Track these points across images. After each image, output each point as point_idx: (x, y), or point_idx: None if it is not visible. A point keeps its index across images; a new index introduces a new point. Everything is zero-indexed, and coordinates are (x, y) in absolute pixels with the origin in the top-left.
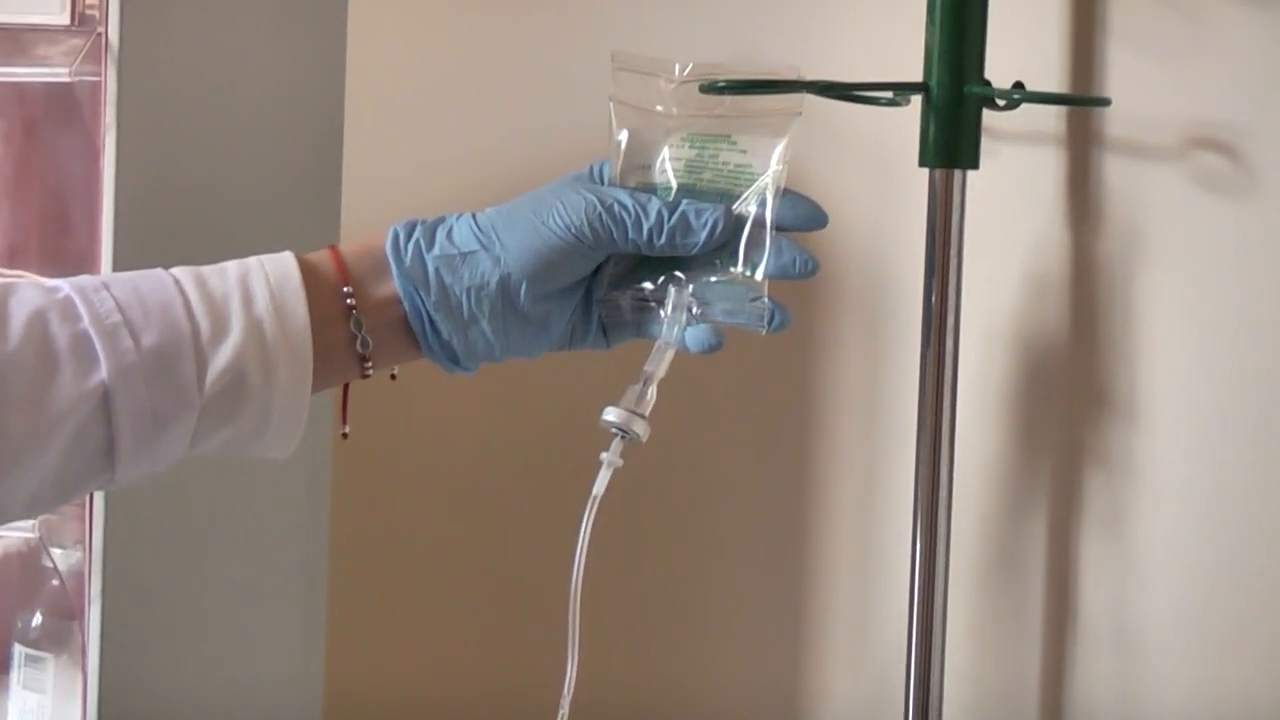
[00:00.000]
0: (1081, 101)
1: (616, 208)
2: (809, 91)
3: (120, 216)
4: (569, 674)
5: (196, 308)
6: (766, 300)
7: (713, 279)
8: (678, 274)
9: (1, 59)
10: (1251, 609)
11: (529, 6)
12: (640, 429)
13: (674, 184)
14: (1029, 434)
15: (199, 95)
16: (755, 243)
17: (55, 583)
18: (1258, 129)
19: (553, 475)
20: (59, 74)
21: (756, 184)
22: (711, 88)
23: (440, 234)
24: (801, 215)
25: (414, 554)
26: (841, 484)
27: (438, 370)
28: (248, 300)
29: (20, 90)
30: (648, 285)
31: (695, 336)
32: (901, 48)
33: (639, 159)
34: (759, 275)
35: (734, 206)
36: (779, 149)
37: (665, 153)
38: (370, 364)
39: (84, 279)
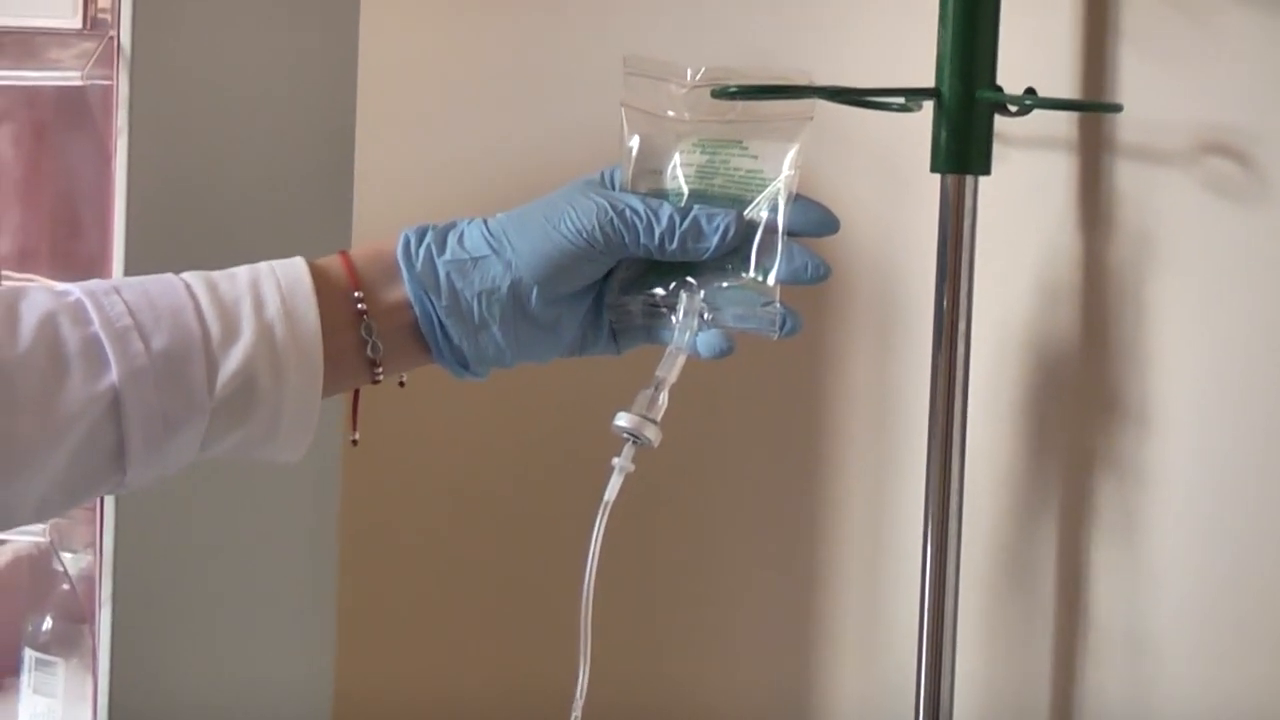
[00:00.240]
0: (1093, 107)
1: (628, 212)
2: (820, 97)
3: (132, 220)
4: (581, 679)
5: (207, 312)
6: (778, 305)
7: (724, 284)
8: (689, 279)
9: (13, 62)
10: (1262, 613)
11: (540, 10)
12: (652, 434)
13: (685, 189)
14: (1040, 439)
15: (210, 99)
16: (767, 248)
17: (65, 586)
18: (1269, 134)
19: (563, 480)
20: (71, 78)
21: (768, 189)
22: (723, 93)
23: (451, 239)
24: (813, 220)
25: (423, 558)
26: (852, 488)
27: (448, 376)
28: (259, 305)
29: (32, 94)
30: (659, 290)
31: (707, 341)
32: (913, 53)
33: (650, 164)
34: (770, 280)
35: (745, 212)
36: (790, 154)
37: (676, 158)
38: (381, 369)
39: (94, 283)
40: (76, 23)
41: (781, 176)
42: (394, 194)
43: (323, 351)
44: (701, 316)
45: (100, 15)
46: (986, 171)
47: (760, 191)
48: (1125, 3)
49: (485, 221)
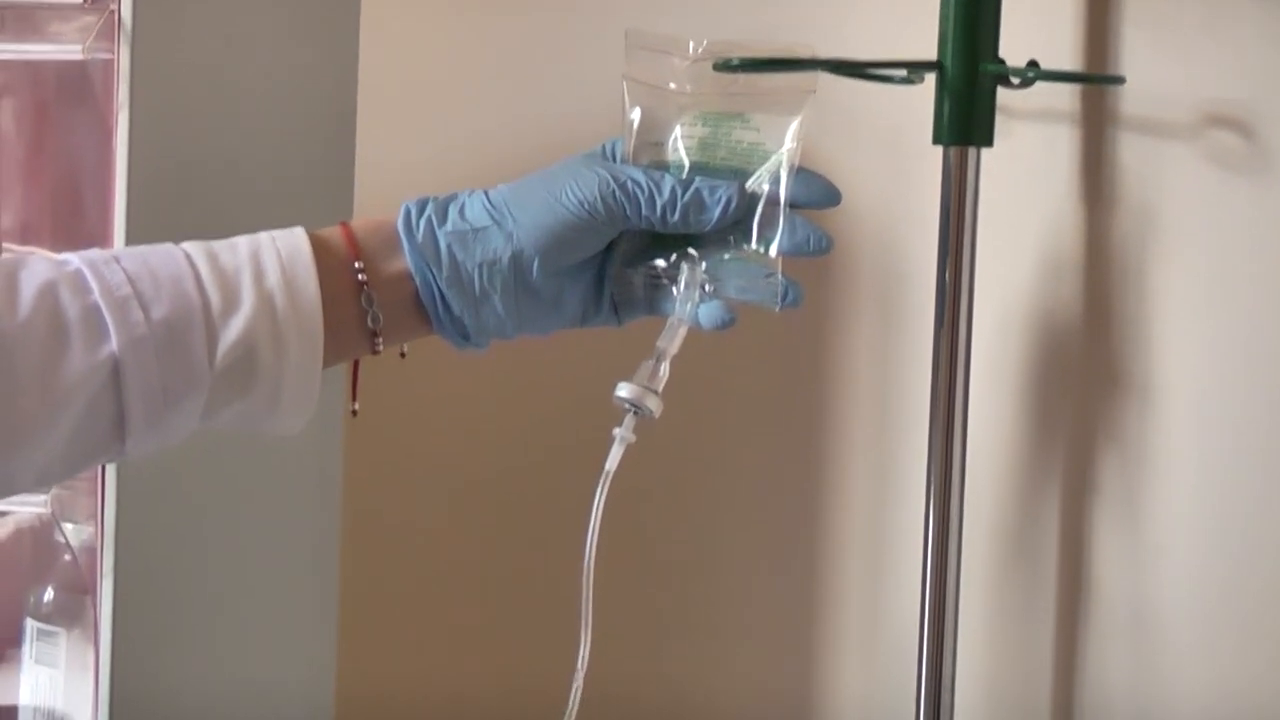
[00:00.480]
0: (1096, 80)
1: (630, 184)
2: (823, 69)
3: (133, 195)
4: (582, 651)
5: (207, 281)
6: (780, 277)
7: (726, 256)
8: (691, 251)
9: (14, 37)
10: (1266, 590)
11: None
12: (653, 404)
13: (686, 162)
14: (1042, 414)
15: (212, 73)
16: (769, 220)
17: (67, 558)
18: (1273, 107)
19: (565, 458)
20: (72, 52)
21: (770, 162)
22: (725, 65)
23: (453, 210)
24: (815, 193)
25: (426, 545)
26: (854, 464)
27: (450, 353)
28: (259, 275)
29: (33, 68)
30: (660, 262)
31: (708, 313)
32: (915, 26)
33: (652, 136)
34: (773, 252)
35: (748, 184)
36: (793, 127)
37: (678, 131)
38: (381, 340)
39: (94, 252)
40: None
41: (783, 149)
42: (396, 168)
43: (323, 321)
44: (703, 288)
45: None
46: (989, 144)
47: (762, 164)
48: None
49: (486, 193)
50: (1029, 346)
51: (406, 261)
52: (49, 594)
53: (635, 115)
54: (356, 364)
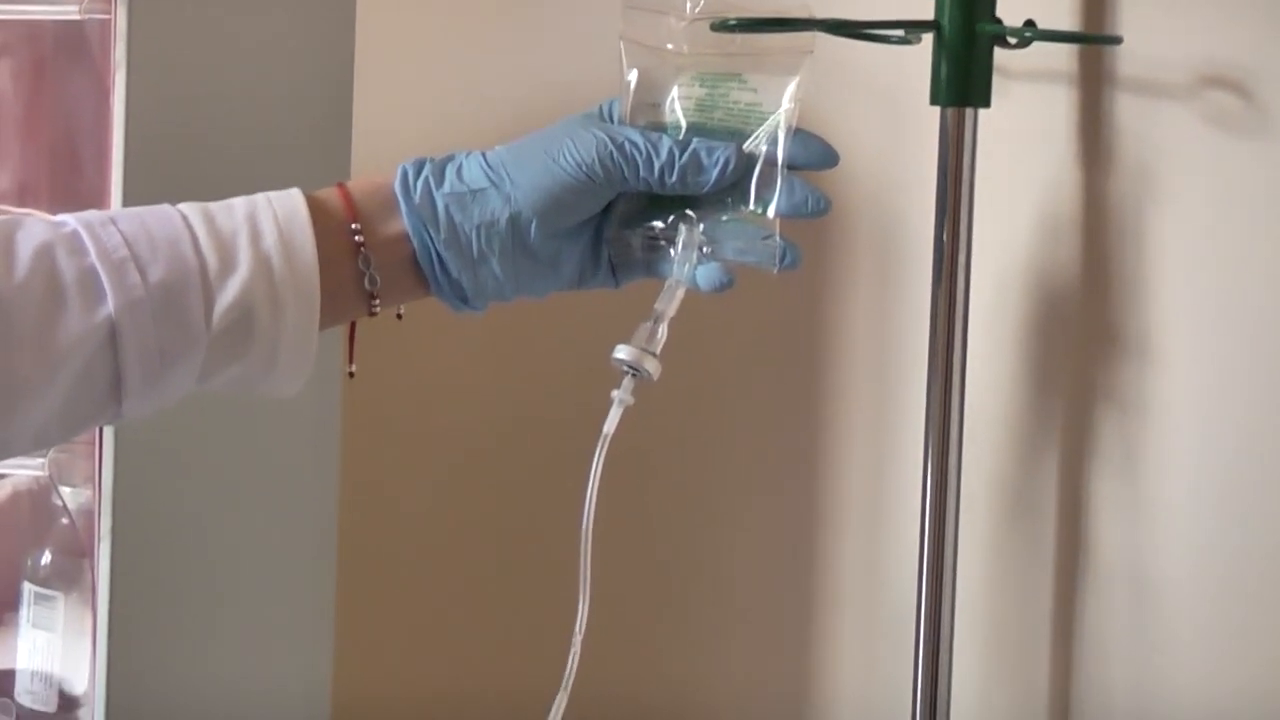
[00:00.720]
0: (1093, 40)
1: (628, 146)
2: (819, 29)
3: (130, 155)
4: (579, 622)
5: (204, 243)
6: (778, 239)
7: (724, 218)
8: (688, 212)
9: None
10: (1265, 545)
11: None
12: (651, 367)
13: (683, 123)
14: (1040, 373)
15: (209, 33)
16: (767, 181)
17: (65, 521)
18: (1269, 67)
19: (565, 425)
20: (69, 12)
21: (768, 123)
22: (722, 25)
23: (450, 172)
24: (813, 154)
25: (425, 507)
26: (852, 426)
27: (448, 319)
28: (255, 236)
29: (30, 28)
30: (658, 224)
31: (706, 275)
32: None
33: (649, 97)
34: (770, 213)
35: (745, 145)
36: (790, 87)
37: (675, 91)
38: (378, 301)
39: (90, 214)
40: None
41: (781, 110)
42: (393, 125)
43: (320, 283)
44: (701, 250)
45: None
46: (986, 104)
47: (760, 125)
48: None
49: (484, 154)
50: (1027, 307)
51: (404, 223)
52: (46, 557)
53: (632, 77)
54: (353, 326)
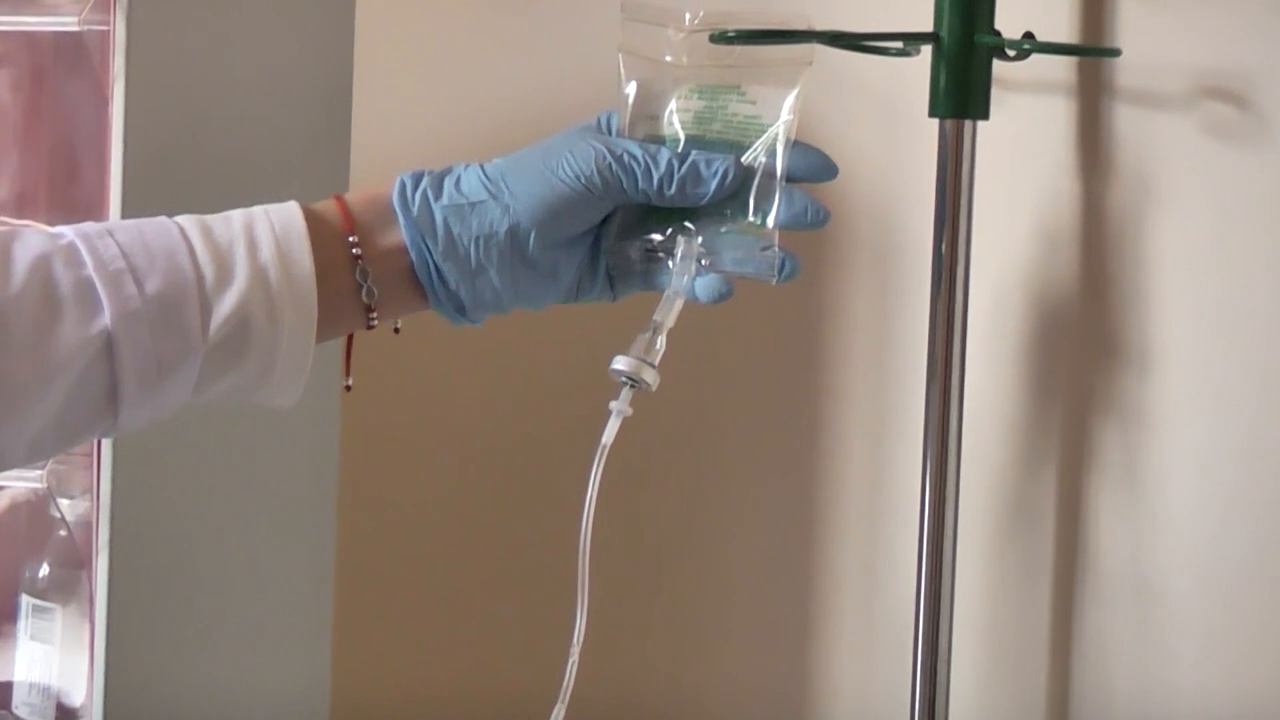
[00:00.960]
0: (1091, 52)
1: (626, 157)
2: (818, 41)
3: (128, 165)
4: (577, 633)
5: (201, 255)
6: (777, 249)
7: (723, 229)
8: (687, 224)
9: (11, 8)
10: (1265, 551)
11: None
12: (649, 377)
13: (681, 135)
14: (1040, 382)
15: (207, 44)
16: (766, 193)
17: (63, 533)
18: (1267, 77)
19: (564, 435)
20: (68, 23)
21: (766, 134)
22: (721, 37)
23: (448, 184)
24: (812, 166)
25: (422, 514)
26: (851, 435)
27: (446, 330)
28: (252, 248)
29: (30, 39)
30: (656, 236)
31: (706, 285)
32: None
33: (647, 109)
34: (770, 224)
35: (744, 157)
36: (789, 99)
37: (673, 104)
38: (376, 314)
39: (88, 226)
40: None
41: (780, 121)
42: (391, 137)
43: (317, 295)
44: (699, 261)
45: None
46: (985, 116)
47: (759, 137)
48: None
49: (482, 166)
50: (1025, 316)
51: (402, 235)
52: (44, 569)
53: (630, 89)
54: (350, 340)
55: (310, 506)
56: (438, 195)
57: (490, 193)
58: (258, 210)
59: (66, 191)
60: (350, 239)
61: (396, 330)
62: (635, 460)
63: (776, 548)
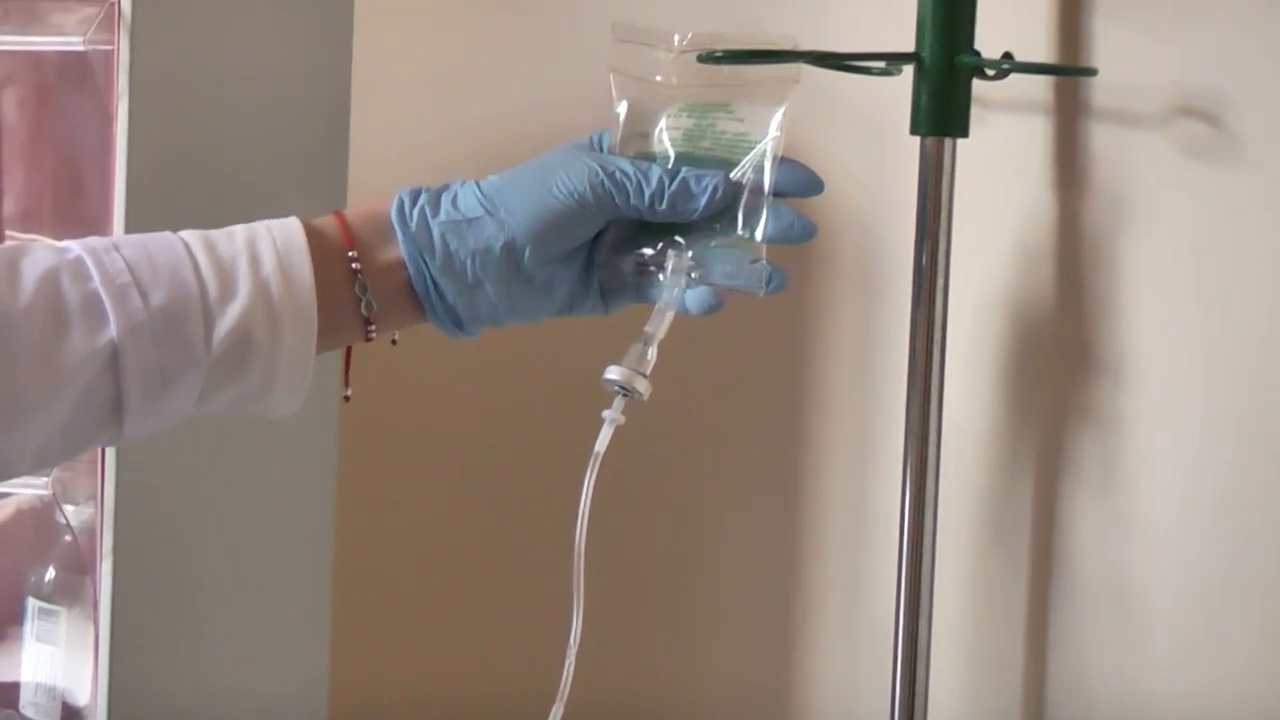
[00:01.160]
0: (1068, 71)
1: (619, 174)
2: (804, 61)
3: (132, 181)
4: (573, 635)
5: (205, 269)
6: (765, 263)
7: (712, 243)
8: (677, 239)
9: (18, 28)
10: (1238, 557)
11: None
12: (642, 386)
13: (671, 153)
14: (1018, 395)
15: (209, 63)
16: (754, 208)
17: (68, 538)
18: (1240, 97)
19: (560, 444)
20: (73, 43)
21: (754, 151)
22: (709, 57)
23: (445, 200)
24: (799, 181)
25: (419, 538)
26: (834, 443)
27: (444, 342)
28: (255, 262)
29: (36, 58)
30: (648, 250)
31: (696, 298)
32: (894, 19)
33: (638, 128)
34: (758, 238)
35: (732, 174)
36: (777, 117)
37: (662, 122)
38: (374, 327)
39: (94, 240)
40: None
41: (768, 139)
42: (388, 156)
43: (317, 308)
44: (689, 275)
45: None
46: (965, 134)
47: (747, 154)
48: None
49: (478, 183)
50: (1004, 329)
51: (401, 251)
52: (50, 573)
53: (622, 109)
54: (349, 351)
55: (309, 512)
56: (435, 212)
57: (486, 209)
58: (260, 225)
59: (72, 206)
60: (350, 254)
61: (394, 342)
62: (628, 467)
63: (762, 554)
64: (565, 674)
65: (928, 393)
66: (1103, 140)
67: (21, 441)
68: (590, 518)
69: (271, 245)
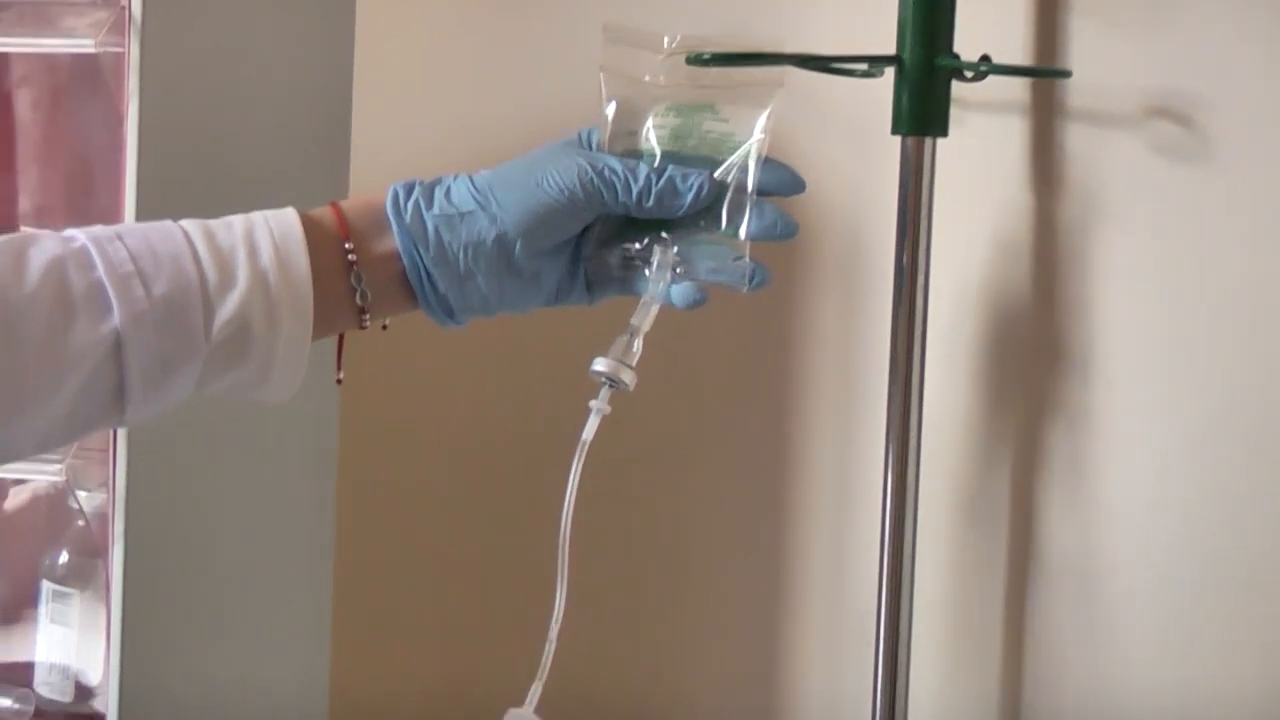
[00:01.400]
0: (1044, 73)
1: (607, 171)
2: (789, 64)
3: (142, 178)
4: (558, 605)
5: (205, 259)
6: (748, 260)
7: (698, 240)
8: (663, 234)
9: (31, 31)
10: (1203, 544)
11: None
12: (627, 377)
13: (658, 151)
14: (995, 385)
15: (216, 65)
16: (738, 206)
17: (81, 523)
18: (1210, 98)
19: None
20: (85, 45)
21: (739, 151)
22: (697, 59)
23: (439, 194)
24: (782, 181)
25: (416, 528)
26: (817, 436)
27: (442, 336)
28: (253, 253)
29: (49, 61)
30: (635, 245)
31: (681, 292)
32: (876, 23)
33: (626, 126)
34: (741, 236)
35: (717, 172)
36: (762, 118)
37: (650, 121)
38: (368, 316)
39: (98, 229)
40: None
41: (753, 139)
42: (388, 154)
43: (313, 298)
44: (674, 270)
45: None
46: (944, 133)
47: (732, 153)
48: None
49: (471, 178)
50: (981, 322)
51: (395, 242)
52: (63, 557)
53: (610, 109)
54: (341, 338)
55: (312, 497)
56: (429, 204)
57: (479, 203)
58: (258, 216)
59: (84, 203)
60: (346, 245)
61: (384, 327)
62: (613, 460)
63: (746, 544)
64: (547, 649)
65: (908, 386)
66: (1077, 140)
67: (27, 425)
68: (579, 513)
69: (269, 236)
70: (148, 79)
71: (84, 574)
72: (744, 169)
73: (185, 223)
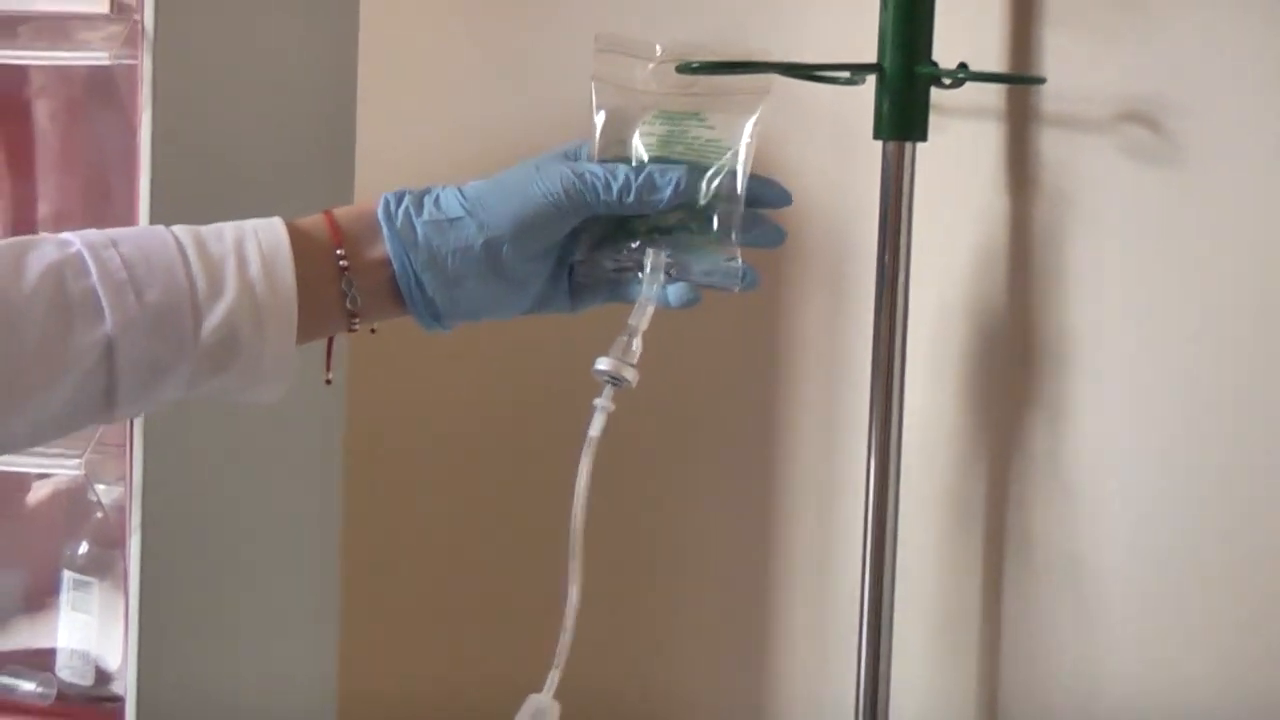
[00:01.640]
0: (1019, 80)
1: (588, 175)
2: (774, 72)
3: (155, 186)
4: (571, 600)
5: (195, 268)
6: (739, 262)
7: (692, 244)
8: (657, 239)
9: (47, 44)
10: (1181, 533)
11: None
12: (630, 375)
13: (645, 157)
14: (975, 382)
15: (226, 77)
16: (729, 212)
17: (100, 515)
18: (1180, 103)
19: (556, 441)
20: (99, 58)
21: (726, 157)
22: (686, 68)
23: (428, 202)
24: (772, 195)
25: (423, 524)
26: (802, 435)
27: (445, 343)
28: (242, 264)
29: (65, 73)
30: (628, 248)
31: (676, 292)
32: (858, 32)
33: (617, 134)
34: (733, 239)
35: (709, 179)
36: (749, 124)
37: (638, 129)
38: (358, 320)
39: (93, 234)
40: (104, 7)
41: (740, 144)
42: (392, 160)
43: (298, 306)
44: (668, 272)
45: (126, 0)
46: (924, 138)
47: (720, 159)
48: None
49: (460, 188)
50: (962, 321)
51: (386, 248)
52: (83, 547)
53: (600, 119)
54: (330, 341)
55: (321, 494)
56: (419, 212)
57: (467, 210)
58: (248, 226)
59: (99, 210)
60: (338, 252)
61: (373, 331)
62: (605, 455)
63: (733, 539)
64: (562, 642)
65: (890, 383)
66: (1051, 144)
67: (21, 422)
68: (559, 510)
69: (257, 248)
70: (160, 90)
71: (103, 564)
72: (733, 175)
73: (178, 229)
